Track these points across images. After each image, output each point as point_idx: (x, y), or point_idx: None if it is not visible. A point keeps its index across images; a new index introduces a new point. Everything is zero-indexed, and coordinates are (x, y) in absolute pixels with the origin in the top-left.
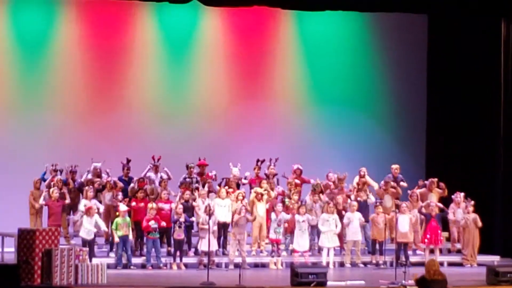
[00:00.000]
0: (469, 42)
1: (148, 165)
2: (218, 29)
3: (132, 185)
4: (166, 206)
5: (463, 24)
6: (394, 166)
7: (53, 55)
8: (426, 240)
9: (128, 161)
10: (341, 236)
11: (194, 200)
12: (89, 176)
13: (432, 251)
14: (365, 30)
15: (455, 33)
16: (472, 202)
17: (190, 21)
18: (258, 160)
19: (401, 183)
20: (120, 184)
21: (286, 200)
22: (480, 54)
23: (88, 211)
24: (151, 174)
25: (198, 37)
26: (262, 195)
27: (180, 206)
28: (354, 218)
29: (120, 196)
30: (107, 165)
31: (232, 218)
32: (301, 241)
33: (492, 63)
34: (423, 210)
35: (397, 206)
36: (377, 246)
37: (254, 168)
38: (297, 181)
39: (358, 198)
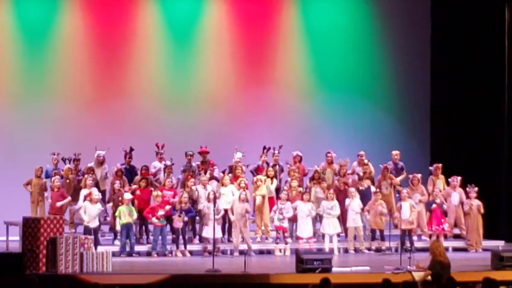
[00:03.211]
0: (473, 26)
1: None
2: (221, 17)
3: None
4: (170, 194)
5: (466, 7)
6: (395, 152)
7: (56, 44)
8: (432, 228)
9: (131, 150)
10: (345, 223)
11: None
12: (92, 164)
13: (437, 237)
14: (368, 16)
15: (458, 17)
16: (476, 189)
17: (194, 8)
18: (264, 148)
19: (403, 171)
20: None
21: (285, 186)
22: (483, 38)
23: (89, 198)
24: (156, 163)
25: (201, 24)
26: (262, 181)
27: (186, 195)
28: (354, 205)
29: (127, 185)
30: (110, 153)
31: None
32: (304, 227)
33: (496, 46)
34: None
35: (398, 193)
36: (378, 233)
37: (261, 156)
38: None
39: (360, 187)
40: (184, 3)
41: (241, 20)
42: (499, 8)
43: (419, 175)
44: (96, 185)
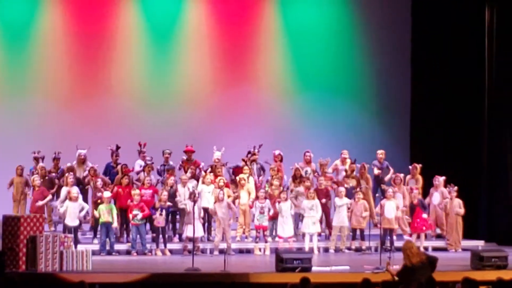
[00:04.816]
0: (453, 26)
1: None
2: (202, 16)
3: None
4: (148, 192)
5: (447, 8)
6: (379, 152)
7: (37, 41)
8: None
9: (118, 147)
10: (329, 222)
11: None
12: (74, 163)
13: (418, 237)
14: (348, 16)
15: (438, 17)
16: (455, 188)
17: (174, 7)
18: (249, 152)
19: (389, 169)
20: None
21: (267, 185)
22: (464, 38)
23: (68, 196)
24: (140, 162)
25: (182, 23)
26: (246, 180)
27: (165, 193)
28: (343, 204)
29: (99, 183)
30: (92, 152)
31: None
32: (284, 227)
33: (476, 47)
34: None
35: (383, 192)
36: (358, 232)
37: (244, 160)
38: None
39: (345, 185)
40: (165, 2)
41: (222, 19)
42: (480, 8)
43: (401, 175)
44: (78, 183)
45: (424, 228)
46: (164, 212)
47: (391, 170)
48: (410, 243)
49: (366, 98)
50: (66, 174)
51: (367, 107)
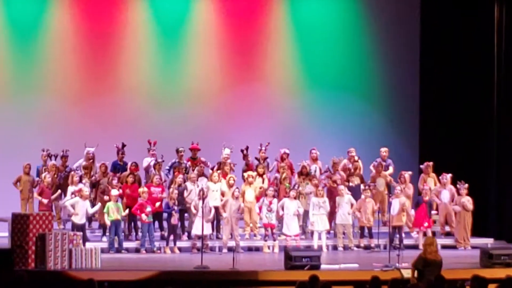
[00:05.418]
0: (462, 24)
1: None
2: (210, 13)
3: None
4: (158, 190)
5: (456, 4)
6: (383, 149)
7: (46, 40)
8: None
9: (123, 145)
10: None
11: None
12: (83, 162)
13: (424, 234)
14: (357, 13)
15: (447, 14)
16: (466, 185)
17: (183, 4)
18: (242, 150)
19: (389, 168)
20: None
21: (287, 184)
22: (473, 35)
23: (80, 194)
24: (148, 159)
25: (190, 21)
26: (253, 177)
27: (176, 191)
28: (343, 202)
29: (115, 181)
30: (100, 150)
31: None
32: (290, 225)
33: (485, 44)
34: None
35: (389, 189)
36: (366, 230)
37: (243, 158)
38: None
39: (350, 183)
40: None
41: (230, 16)
42: (489, 4)
43: (407, 173)
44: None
45: (422, 224)
46: (178, 211)
47: (390, 168)
48: (431, 239)
49: (375, 96)
50: (72, 173)
51: (375, 105)
